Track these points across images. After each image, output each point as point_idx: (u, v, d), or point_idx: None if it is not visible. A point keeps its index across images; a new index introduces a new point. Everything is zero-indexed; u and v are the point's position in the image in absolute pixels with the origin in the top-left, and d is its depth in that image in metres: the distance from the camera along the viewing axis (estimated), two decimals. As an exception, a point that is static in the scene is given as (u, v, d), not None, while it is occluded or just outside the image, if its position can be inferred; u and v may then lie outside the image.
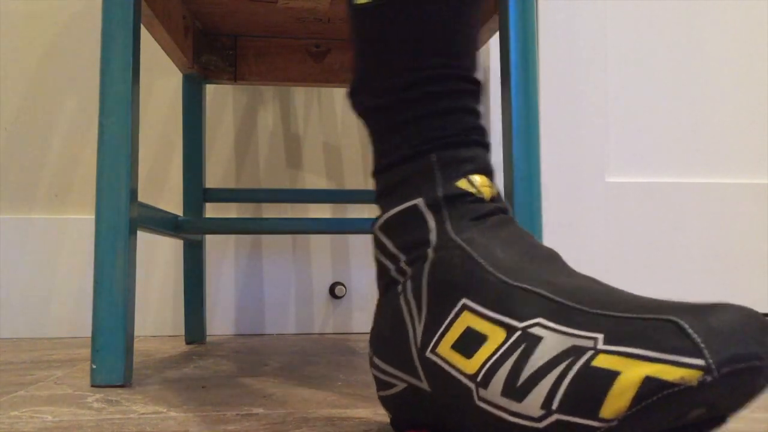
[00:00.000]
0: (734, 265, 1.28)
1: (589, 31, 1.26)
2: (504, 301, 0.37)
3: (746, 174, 1.31)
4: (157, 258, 1.16)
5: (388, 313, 0.44)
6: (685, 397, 0.30)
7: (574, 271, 0.40)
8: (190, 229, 0.92)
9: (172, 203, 1.16)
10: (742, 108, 1.31)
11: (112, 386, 0.64)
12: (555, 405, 0.32)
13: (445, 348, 0.38)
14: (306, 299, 1.19)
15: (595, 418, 0.31)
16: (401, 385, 0.43)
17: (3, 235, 1.13)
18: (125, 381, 0.65)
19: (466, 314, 0.38)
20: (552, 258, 0.41)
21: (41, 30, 1.17)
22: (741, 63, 1.31)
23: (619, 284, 1.25)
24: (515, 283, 0.38)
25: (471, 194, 0.42)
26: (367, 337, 1.14)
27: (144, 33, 1.16)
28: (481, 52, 1.23)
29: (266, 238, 1.19)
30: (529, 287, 0.37)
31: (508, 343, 0.36)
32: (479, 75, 0.45)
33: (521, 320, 0.36)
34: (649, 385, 0.30)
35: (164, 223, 0.83)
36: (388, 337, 0.43)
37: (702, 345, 0.30)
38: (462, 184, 0.42)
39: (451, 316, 0.39)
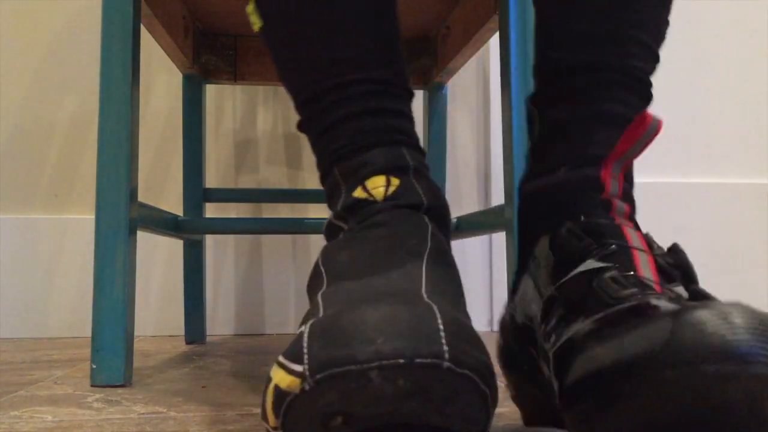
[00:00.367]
0: (734, 265, 1.28)
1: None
2: (309, 308, 0.38)
3: (746, 174, 1.31)
4: (157, 258, 1.15)
5: None
6: (299, 405, 0.28)
7: (413, 266, 0.38)
8: (190, 229, 0.92)
9: (172, 203, 1.16)
10: (742, 108, 1.31)
11: (112, 386, 0.64)
12: (261, 412, 0.32)
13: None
14: (306, 299, 1.19)
15: (269, 424, 0.31)
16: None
17: (3, 235, 1.13)
18: (125, 381, 0.65)
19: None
20: (396, 255, 0.39)
21: (41, 30, 1.17)
22: (741, 63, 1.31)
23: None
24: (322, 290, 0.38)
25: (364, 200, 0.42)
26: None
27: (144, 33, 1.16)
28: (481, 52, 1.23)
29: (266, 238, 1.19)
30: (320, 293, 0.37)
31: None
32: (390, 74, 0.45)
33: (298, 328, 0.36)
34: (277, 393, 0.29)
35: (164, 223, 0.83)
36: None
37: (305, 350, 0.29)
38: (357, 192, 0.43)
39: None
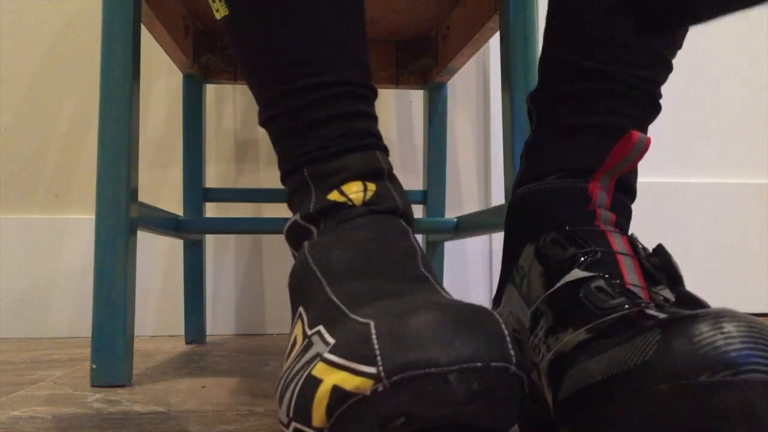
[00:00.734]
0: (734, 265, 1.28)
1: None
2: (316, 308, 0.37)
3: (746, 174, 1.31)
4: (157, 258, 1.15)
5: None
6: (365, 407, 0.28)
7: (413, 268, 0.38)
8: (190, 229, 0.92)
9: (172, 203, 1.16)
10: (742, 108, 1.31)
11: (112, 386, 0.64)
12: (291, 412, 0.32)
13: (287, 361, 0.38)
14: (306, 299, 1.19)
15: (310, 425, 0.30)
16: None
17: (3, 235, 1.13)
18: (125, 381, 0.65)
19: (299, 323, 0.39)
20: (391, 257, 0.39)
21: (41, 30, 1.17)
22: (741, 63, 1.31)
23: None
24: (326, 289, 0.38)
25: (341, 203, 0.42)
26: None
27: (144, 33, 1.16)
28: (481, 52, 1.23)
29: (266, 238, 1.19)
30: (329, 293, 0.37)
31: (297, 350, 0.36)
32: (358, 75, 0.44)
33: (311, 327, 0.36)
34: (337, 394, 0.29)
35: (164, 223, 0.83)
36: None
37: (377, 352, 0.29)
38: (333, 196, 0.42)
39: (294, 326, 0.39)
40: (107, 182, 0.66)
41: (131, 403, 0.56)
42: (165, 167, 1.18)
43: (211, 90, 1.19)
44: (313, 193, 0.43)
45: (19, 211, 1.16)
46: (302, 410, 0.31)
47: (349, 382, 0.29)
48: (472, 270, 1.21)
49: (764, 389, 0.28)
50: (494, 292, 1.21)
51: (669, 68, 0.46)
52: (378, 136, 0.45)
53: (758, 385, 0.28)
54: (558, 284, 0.38)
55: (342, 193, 0.42)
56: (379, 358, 0.28)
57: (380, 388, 0.28)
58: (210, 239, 1.16)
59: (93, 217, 0.68)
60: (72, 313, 1.13)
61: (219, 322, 1.16)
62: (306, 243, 0.42)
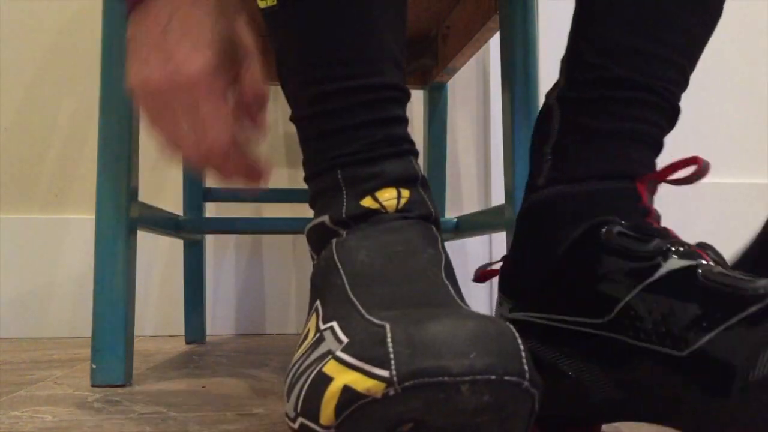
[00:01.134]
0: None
1: (589, 31, 1.26)
2: (332, 304, 0.37)
3: (746, 174, 1.31)
4: (157, 258, 1.15)
5: None
6: (374, 409, 0.28)
7: (434, 277, 0.38)
8: (190, 229, 0.92)
9: (172, 203, 1.16)
10: (742, 108, 1.31)
11: (112, 386, 0.64)
12: (299, 407, 0.32)
13: (297, 353, 0.38)
14: (306, 299, 1.19)
15: (318, 423, 0.30)
16: None
17: (3, 235, 1.13)
18: (125, 381, 0.65)
19: (313, 317, 0.39)
20: (416, 264, 0.39)
21: (41, 30, 1.17)
22: (741, 62, 1.31)
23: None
24: (346, 287, 0.38)
25: (375, 210, 0.42)
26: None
27: (144, 33, 1.16)
28: (481, 52, 1.23)
29: (266, 238, 1.19)
30: (348, 291, 0.37)
31: (308, 345, 0.36)
32: (398, 77, 0.44)
33: (325, 322, 0.36)
34: (347, 394, 0.29)
35: (164, 223, 0.83)
36: None
37: (392, 356, 0.28)
38: (366, 202, 0.42)
39: (311, 320, 0.39)
40: (107, 182, 0.66)
41: (131, 403, 0.56)
42: (165, 167, 1.18)
43: (211, 90, 1.19)
44: (345, 197, 0.42)
45: (19, 211, 1.16)
46: (310, 407, 0.31)
47: (360, 383, 0.29)
48: (472, 270, 1.20)
49: None
50: (494, 292, 1.21)
51: (687, 86, 0.47)
52: (412, 141, 0.45)
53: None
54: (658, 274, 0.38)
55: (376, 199, 0.42)
56: (393, 362, 0.28)
57: (391, 392, 0.28)
58: (210, 239, 1.16)
59: (93, 217, 0.68)
60: (72, 313, 1.13)
61: (219, 322, 1.16)
62: (334, 240, 0.42)
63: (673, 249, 0.39)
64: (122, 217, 0.66)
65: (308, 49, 0.42)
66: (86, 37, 1.18)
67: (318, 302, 0.40)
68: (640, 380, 0.37)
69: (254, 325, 1.17)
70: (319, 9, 0.42)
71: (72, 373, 0.73)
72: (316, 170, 0.44)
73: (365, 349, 0.30)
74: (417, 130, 1.22)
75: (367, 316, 0.33)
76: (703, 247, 0.40)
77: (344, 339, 0.32)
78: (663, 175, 0.44)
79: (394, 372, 0.28)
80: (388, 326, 0.30)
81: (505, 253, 0.51)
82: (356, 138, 0.42)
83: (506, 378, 0.28)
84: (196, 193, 1.01)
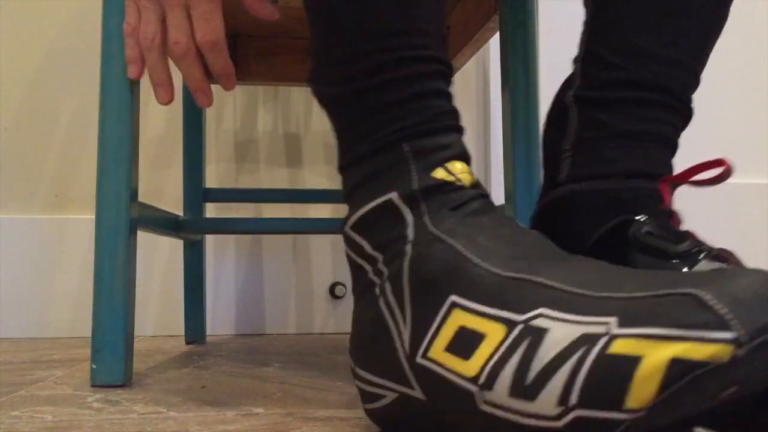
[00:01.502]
0: (734, 265, 1.27)
1: (589, 31, 1.26)
2: (498, 294, 0.35)
3: (746, 174, 1.31)
4: (157, 258, 1.16)
5: (367, 318, 0.41)
6: (718, 376, 0.27)
7: (567, 254, 0.37)
8: (190, 229, 0.92)
9: (172, 203, 1.16)
10: (742, 108, 1.31)
11: (112, 386, 0.64)
12: (573, 400, 0.29)
13: (437, 351, 0.36)
14: (306, 299, 1.19)
15: (621, 409, 0.28)
16: (391, 396, 0.40)
17: (3, 235, 1.13)
18: (125, 381, 0.65)
19: (456, 312, 0.36)
20: (540, 242, 0.38)
21: (41, 30, 1.17)
22: (741, 62, 1.31)
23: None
24: (506, 274, 0.35)
25: (450, 183, 0.39)
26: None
27: (144, 33, 1.16)
28: (481, 52, 1.23)
29: (266, 238, 1.19)
30: (523, 276, 0.34)
31: (510, 339, 0.33)
32: (446, 54, 0.43)
33: (521, 313, 0.33)
34: (678, 367, 0.27)
35: (164, 223, 0.83)
36: (371, 344, 0.40)
37: (728, 316, 0.27)
38: (439, 173, 0.39)
39: (440, 315, 0.36)
40: (107, 182, 0.66)
41: (131, 403, 0.56)
42: (165, 167, 1.18)
43: (211, 90, 1.19)
44: (413, 170, 0.39)
45: (19, 211, 1.16)
46: (605, 394, 0.28)
47: (696, 351, 0.27)
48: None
49: None
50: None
51: (697, 85, 0.49)
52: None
53: None
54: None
55: (448, 171, 0.39)
56: (735, 321, 0.27)
57: (741, 353, 0.27)
58: (210, 239, 1.16)
59: (93, 217, 0.68)
60: (72, 313, 1.13)
61: (219, 322, 1.16)
62: (431, 226, 0.38)
63: (704, 252, 0.40)
64: (122, 217, 0.66)
65: (359, 19, 0.40)
66: (86, 37, 1.18)
67: (453, 297, 0.36)
68: None
69: (254, 325, 1.17)
70: None
71: (72, 373, 0.73)
72: (372, 147, 0.41)
73: (681, 317, 0.28)
74: (417, 130, 1.22)
75: (615, 294, 0.31)
76: (727, 252, 0.41)
77: (603, 319, 0.30)
78: (686, 176, 0.45)
79: (742, 331, 0.27)
80: (700, 291, 0.28)
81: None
82: (420, 108, 0.40)
83: None
84: (196, 193, 1.01)
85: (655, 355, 0.28)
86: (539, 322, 0.32)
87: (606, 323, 0.30)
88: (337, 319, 1.19)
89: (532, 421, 0.31)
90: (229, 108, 1.21)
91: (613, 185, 0.45)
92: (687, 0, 0.47)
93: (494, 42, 1.19)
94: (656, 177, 0.45)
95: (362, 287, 0.42)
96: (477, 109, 1.25)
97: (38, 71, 1.17)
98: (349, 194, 0.42)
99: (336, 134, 0.43)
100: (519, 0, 0.70)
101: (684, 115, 0.48)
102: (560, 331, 0.31)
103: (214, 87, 1.19)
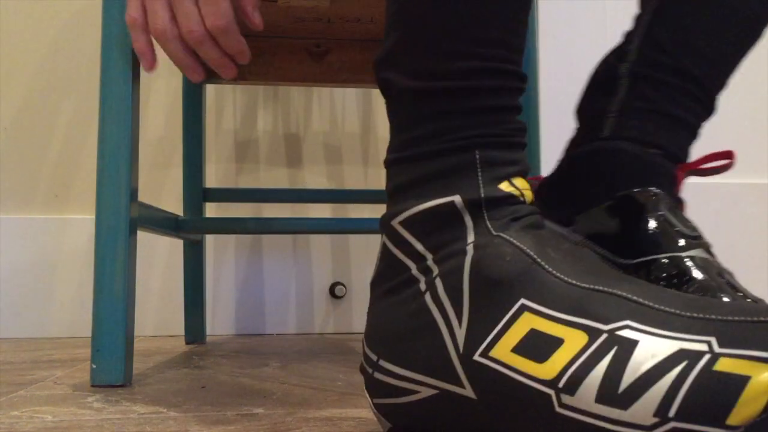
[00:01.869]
0: (734, 265, 1.27)
1: (589, 31, 1.26)
2: (577, 302, 0.35)
3: (746, 174, 1.31)
4: (157, 258, 1.15)
5: (406, 313, 0.41)
6: None
7: (624, 274, 0.39)
8: (190, 229, 0.92)
9: (172, 203, 1.16)
10: (742, 108, 1.31)
11: (112, 386, 0.64)
12: (672, 412, 0.30)
13: (503, 351, 0.36)
14: (306, 299, 1.19)
15: (721, 425, 0.29)
16: (427, 392, 0.40)
17: (3, 235, 1.13)
18: (125, 381, 0.65)
19: (527, 315, 0.36)
20: (598, 260, 0.40)
21: (41, 30, 1.17)
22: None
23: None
24: (583, 284, 0.36)
25: (514, 197, 0.40)
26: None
27: (144, 33, 1.16)
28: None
29: (266, 238, 1.19)
30: (603, 288, 0.36)
31: (594, 346, 0.34)
32: (521, 68, 0.44)
33: (605, 323, 0.34)
34: None
35: (164, 223, 0.83)
36: (409, 339, 0.40)
37: None
38: (505, 186, 0.40)
39: (508, 317, 0.37)
40: (107, 182, 0.66)
41: (131, 403, 0.56)
42: (165, 167, 1.18)
43: (211, 90, 1.19)
44: (480, 178, 0.40)
45: (19, 211, 1.16)
46: (708, 409, 0.30)
47: None
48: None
49: None
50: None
51: (725, 89, 0.56)
52: None
53: None
54: (686, 255, 0.46)
55: (513, 185, 0.40)
56: None
57: None
58: (210, 239, 1.16)
59: (93, 217, 0.68)
60: (72, 313, 1.13)
61: (219, 322, 1.16)
62: (500, 233, 0.39)
63: (702, 242, 0.47)
64: (122, 217, 0.66)
65: (473, 20, 0.40)
66: (86, 37, 1.18)
67: (523, 300, 0.37)
68: None
69: (254, 325, 1.17)
70: None
71: (72, 373, 0.73)
72: (441, 148, 0.40)
73: None
74: (417, 130, 1.22)
75: (708, 316, 0.33)
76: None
77: (703, 338, 0.32)
78: (697, 165, 0.51)
79: None
80: None
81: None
82: (499, 121, 0.41)
83: None
84: (196, 193, 1.01)
85: (762, 376, 0.29)
86: (626, 333, 0.33)
87: (707, 341, 0.31)
88: (337, 319, 1.19)
89: (622, 429, 0.32)
90: (229, 108, 1.21)
91: (651, 156, 0.50)
92: (742, 13, 0.53)
93: (494, 42, 1.19)
94: (680, 159, 0.51)
95: (398, 282, 0.42)
96: (477, 109, 1.25)
97: (38, 71, 1.17)
98: (401, 189, 0.42)
99: (395, 126, 0.43)
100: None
101: (709, 111, 0.55)
102: (652, 344, 0.32)
103: (215, 87, 1.20)
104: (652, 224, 0.47)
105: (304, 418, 0.51)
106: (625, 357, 0.33)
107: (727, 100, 1.31)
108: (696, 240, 0.46)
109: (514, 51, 0.41)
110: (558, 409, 0.34)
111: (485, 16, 0.39)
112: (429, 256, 0.40)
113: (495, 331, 0.37)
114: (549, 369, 0.34)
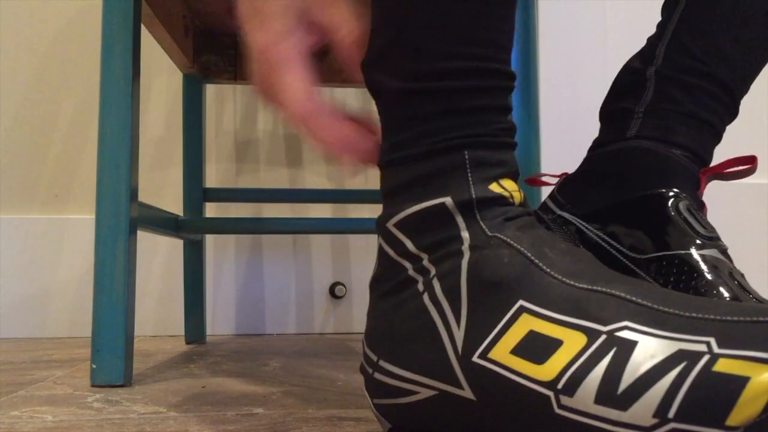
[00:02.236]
0: (734, 265, 1.27)
1: (589, 31, 1.26)
2: (576, 303, 0.36)
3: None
4: (157, 258, 1.15)
5: (405, 314, 0.41)
6: None
7: (621, 274, 0.39)
8: (190, 229, 0.92)
9: (172, 203, 1.16)
10: (742, 108, 1.31)
11: (112, 386, 0.64)
12: (672, 413, 0.30)
13: (501, 353, 0.36)
14: (306, 299, 1.19)
15: (720, 426, 0.29)
16: (426, 393, 0.40)
17: (3, 235, 1.13)
18: (125, 381, 0.65)
19: (525, 317, 0.36)
20: (594, 260, 0.40)
21: (41, 30, 1.17)
22: (741, 63, 1.31)
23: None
24: (582, 285, 0.36)
25: (504, 197, 0.40)
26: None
27: (144, 33, 1.16)
28: (481, 52, 1.23)
29: (266, 238, 1.19)
30: (601, 289, 0.36)
31: (593, 348, 0.34)
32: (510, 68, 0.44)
33: (604, 324, 0.34)
34: None
35: (164, 223, 0.83)
36: (409, 340, 0.40)
37: None
38: (495, 187, 0.40)
39: (506, 318, 0.37)
40: (107, 182, 0.66)
41: (131, 403, 0.56)
42: (165, 167, 1.18)
43: (211, 90, 1.19)
44: (470, 179, 0.40)
45: (19, 211, 1.16)
46: (708, 410, 0.30)
47: None
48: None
49: None
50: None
51: (746, 92, 0.57)
52: None
53: None
54: (697, 254, 0.47)
55: (502, 187, 0.40)
56: None
57: None
58: (210, 239, 1.16)
59: (93, 217, 0.68)
60: (72, 313, 1.13)
61: (219, 322, 1.16)
62: (496, 233, 0.39)
63: (720, 245, 0.48)
64: (122, 217, 0.66)
65: (459, 18, 0.39)
66: (86, 37, 1.18)
67: (522, 302, 0.37)
68: None
69: (254, 325, 1.17)
70: None
71: (72, 373, 0.73)
72: (430, 149, 0.40)
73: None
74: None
75: (706, 316, 0.33)
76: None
77: (702, 339, 0.32)
78: (720, 170, 0.53)
79: None
80: None
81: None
82: (489, 121, 0.40)
83: None
84: (196, 193, 1.01)
85: (761, 376, 0.29)
86: (625, 334, 0.33)
87: (706, 342, 0.31)
88: (337, 319, 1.19)
89: (621, 429, 0.32)
90: (229, 108, 1.21)
91: (675, 156, 0.51)
92: (767, 18, 0.54)
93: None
94: (704, 160, 0.53)
95: (396, 283, 0.42)
96: (477, 109, 1.25)
97: (38, 71, 1.17)
98: (394, 191, 0.42)
99: (385, 127, 0.43)
100: (519, 0, 0.70)
101: (734, 116, 0.56)
102: (651, 344, 0.33)
103: (215, 87, 1.20)
104: (670, 222, 0.48)
105: (304, 418, 0.51)
106: (624, 358, 0.33)
107: (727, 100, 1.31)
108: (712, 241, 0.47)
109: (501, 50, 0.41)
110: (557, 411, 0.34)
111: (471, 15, 0.39)
112: (424, 257, 0.40)
113: (494, 333, 0.37)
114: (548, 370, 0.34)
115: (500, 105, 0.41)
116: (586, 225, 0.52)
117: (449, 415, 0.39)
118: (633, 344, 0.33)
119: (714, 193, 1.28)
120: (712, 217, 1.36)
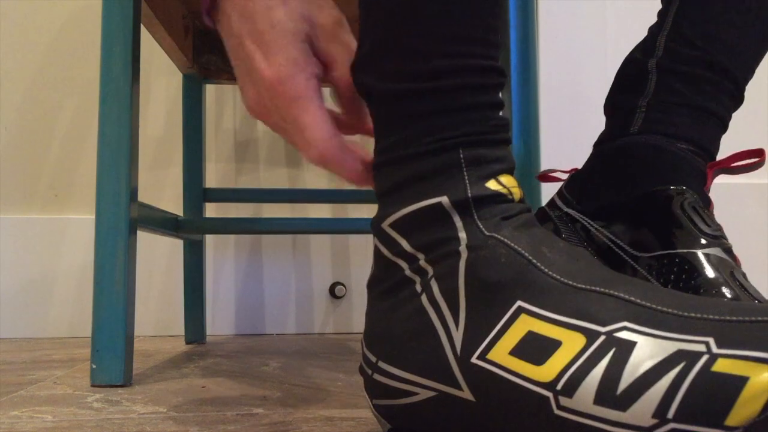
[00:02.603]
0: (734, 265, 1.28)
1: (589, 31, 1.26)
2: (574, 304, 0.35)
3: (746, 174, 1.31)
4: (157, 258, 1.15)
5: (403, 315, 0.41)
6: None
7: (619, 273, 0.39)
8: (190, 229, 0.92)
9: (172, 203, 1.16)
10: (742, 108, 1.31)
11: (112, 386, 0.64)
12: (671, 413, 0.30)
13: (500, 354, 0.36)
14: (306, 299, 1.19)
15: (720, 426, 0.29)
16: (425, 394, 0.40)
17: (3, 235, 1.13)
18: (125, 381, 0.65)
19: (524, 318, 0.36)
20: (593, 260, 0.39)
21: (41, 30, 1.17)
22: (741, 63, 1.31)
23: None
24: (580, 285, 0.36)
25: (502, 195, 0.40)
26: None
27: (144, 33, 1.16)
28: (481, 52, 1.23)
29: (266, 238, 1.19)
30: (599, 289, 0.36)
31: (592, 348, 0.34)
32: (500, 63, 0.43)
33: (603, 324, 0.34)
34: None
35: (164, 223, 0.83)
36: (407, 341, 0.40)
37: None
38: (492, 184, 0.40)
39: (505, 319, 0.37)
40: (107, 182, 0.66)
41: (131, 403, 0.56)
42: (165, 167, 1.18)
43: (211, 90, 1.19)
44: (466, 177, 0.39)
45: (19, 211, 1.16)
46: (707, 410, 0.30)
47: None
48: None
49: None
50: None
51: (750, 79, 0.57)
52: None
53: None
54: (701, 252, 0.47)
55: (500, 183, 0.40)
56: None
57: None
58: (210, 239, 1.16)
59: (93, 217, 0.68)
60: (72, 313, 1.13)
61: (219, 322, 1.16)
62: (494, 233, 0.38)
63: (724, 243, 0.49)
64: (122, 217, 0.66)
65: (445, 18, 0.39)
66: (86, 37, 1.18)
67: (520, 302, 0.36)
68: None
69: (254, 325, 1.17)
70: None
71: (72, 373, 0.73)
72: (424, 149, 0.40)
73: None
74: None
75: (705, 316, 0.33)
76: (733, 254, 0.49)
77: (701, 339, 0.32)
78: (727, 164, 0.53)
79: None
80: None
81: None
82: (482, 118, 0.40)
83: None
84: (196, 193, 1.01)
85: (761, 376, 0.29)
86: (624, 335, 0.33)
87: (705, 342, 0.31)
88: (337, 319, 1.19)
89: (620, 430, 0.32)
90: (229, 108, 1.21)
91: (679, 150, 0.51)
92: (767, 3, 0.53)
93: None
94: (710, 152, 0.53)
95: (393, 284, 0.42)
96: (477, 109, 1.25)
97: (38, 71, 1.17)
98: (389, 192, 0.42)
99: (378, 129, 0.43)
100: (519, 0, 0.70)
101: (739, 103, 0.56)
102: (650, 345, 0.33)
103: (214, 87, 1.20)
104: (674, 220, 0.48)
105: (304, 418, 0.51)
106: (624, 358, 0.33)
107: (727, 100, 1.30)
108: (716, 239, 0.47)
109: (490, 47, 0.40)
110: (556, 412, 0.34)
111: (459, 14, 0.39)
112: (420, 256, 0.40)
113: (492, 334, 0.37)
114: (547, 371, 0.34)
115: (492, 101, 0.41)
116: (591, 223, 0.52)
117: (448, 416, 0.39)
118: (632, 345, 0.33)
119: (714, 192, 1.28)
120: (712, 217, 1.35)
